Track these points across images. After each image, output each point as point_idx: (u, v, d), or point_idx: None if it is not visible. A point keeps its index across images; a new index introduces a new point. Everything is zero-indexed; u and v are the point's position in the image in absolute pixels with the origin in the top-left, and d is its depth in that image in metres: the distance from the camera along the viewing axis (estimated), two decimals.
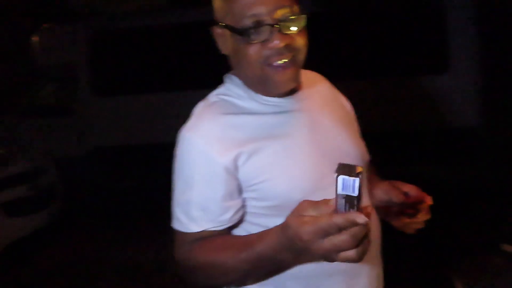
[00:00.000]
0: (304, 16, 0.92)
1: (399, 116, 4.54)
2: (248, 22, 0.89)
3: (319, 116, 1.03)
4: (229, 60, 1.01)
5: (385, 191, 1.09)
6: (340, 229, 0.66)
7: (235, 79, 1.03)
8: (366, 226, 0.66)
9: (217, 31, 0.98)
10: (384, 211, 1.12)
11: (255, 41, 0.90)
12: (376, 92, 4.54)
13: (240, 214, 0.96)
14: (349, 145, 1.03)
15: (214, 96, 1.03)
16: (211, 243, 0.91)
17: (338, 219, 0.66)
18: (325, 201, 0.70)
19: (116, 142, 5.16)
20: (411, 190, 1.08)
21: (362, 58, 4.60)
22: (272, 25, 0.88)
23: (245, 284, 0.96)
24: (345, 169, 0.67)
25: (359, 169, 0.67)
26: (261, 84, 0.97)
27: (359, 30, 4.57)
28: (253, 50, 0.91)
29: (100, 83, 5.20)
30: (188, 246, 0.93)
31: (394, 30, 4.53)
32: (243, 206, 0.96)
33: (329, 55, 4.49)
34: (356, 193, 0.66)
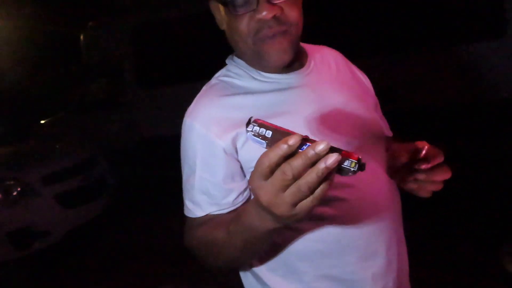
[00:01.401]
0: None
1: (448, 89, 4.29)
2: None
3: (327, 91, 0.97)
4: (227, 37, 0.98)
5: (391, 154, 0.96)
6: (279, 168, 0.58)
7: (236, 59, 1.01)
8: (307, 155, 0.56)
9: (213, 5, 0.96)
10: (395, 174, 0.96)
11: (242, 12, 0.87)
12: (423, 64, 4.30)
13: (245, 196, 0.93)
14: (362, 120, 0.97)
15: (214, 79, 1.01)
16: (209, 223, 0.89)
17: (266, 153, 0.58)
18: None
19: (164, 133, 5.27)
20: (422, 146, 0.89)
21: (406, 28, 4.36)
22: None
23: (246, 262, 0.93)
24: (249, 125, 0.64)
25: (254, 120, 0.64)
26: (255, 59, 0.93)
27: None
28: (242, 23, 0.88)
29: (145, 75, 5.32)
30: (195, 230, 0.92)
31: None
32: (248, 188, 0.93)
33: (370, 26, 4.31)
34: (264, 144, 0.62)
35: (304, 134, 0.59)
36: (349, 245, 0.91)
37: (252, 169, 0.81)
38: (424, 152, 0.86)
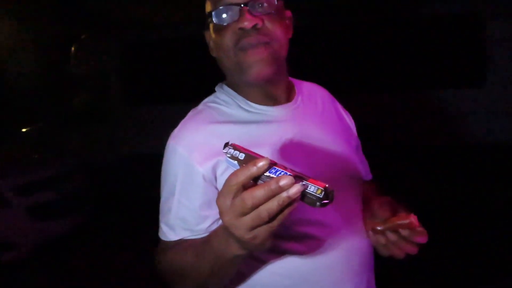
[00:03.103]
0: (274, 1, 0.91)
1: (432, 131, 4.41)
2: (216, 3, 0.91)
3: (310, 128, 0.98)
4: (218, 64, 1.00)
5: (371, 210, 0.96)
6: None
7: (225, 87, 1.03)
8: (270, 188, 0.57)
9: (206, 34, 1.00)
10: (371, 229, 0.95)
11: (226, 23, 0.91)
12: (410, 105, 4.43)
13: (219, 224, 0.91)
14: (341, 161, 0.98)
15: (202, 104, 1.02)
16: (179, 246, 0.89)
17: (235, 172, 0.60)
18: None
19: (145, 151, 5.24)
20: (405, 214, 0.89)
21: (401, 72, 4.52)
22: (240, 5, 0.89)
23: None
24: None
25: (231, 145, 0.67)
26: (238, 73, 0.94)
27: (395, 41, 4.50)
28: (226, 36, 0.91)
29: (131, 92, 5.32)
30: (166, 253, 0.92)
31: (430, 42, 4.44)
32: None
33: (363, 66, 4.44)
34: (238, 166, 0.64)
35: (277, 162, 0.60)
36: (317, 283, 0.90)
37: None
38: (409, 222, 0.86)
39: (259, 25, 0.89)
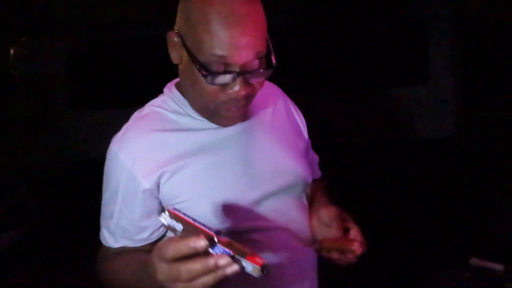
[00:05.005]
0: (271, 70, 0.86)
1: (378, 128, 4.56)
2: (215, 62, 0.81)
3: (258, 133, 0.98)
4: (179, 71, 0.94)
5: (329, 216, 0.98)
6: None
7: (174, 90, 0.98)
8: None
9: (173, 39, 0.89)
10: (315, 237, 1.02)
11: (216, 84, 0.83)
12: (356, 103, 4.55)
13: (160, 232, 0.93)
14: (285, 168, 0.98)
15: (147, 107, 0.98)
16: (121, 259, 0.89)
17: (173, 243, 0.63)
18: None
19: (95, 157, 5.05)
20: (353, 230, 0.97)
21: (342, 70, 4.62)
22: (238, 74, 0.81)
23: None
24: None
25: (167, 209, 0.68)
26: (207, 114, 0.92)
27: (339, 42, 4.60)
28: (211, 91, 0.85)
29: (78, 96, 5.12)
30: (106, 259, 0.93)
31: (374, 43, 4.58)
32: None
33: (310, 66, 4.51)
34: (178, 233, 0.66)
35: (214, 230, 0.63)
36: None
37: (170, 207, 0.81)
38: (354, 249, 0.91)
39: (251, 93, 0.86)
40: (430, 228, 3.69)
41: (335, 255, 0.93)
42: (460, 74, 4.41)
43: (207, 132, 0.93)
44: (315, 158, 1.19)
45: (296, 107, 1.14)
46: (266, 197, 0.92)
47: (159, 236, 0.93)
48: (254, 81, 0.85)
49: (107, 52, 5.06)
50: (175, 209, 0.67)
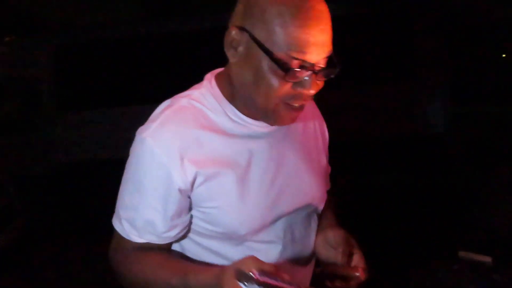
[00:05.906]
0: (338, 69, 0.85)
1: (366, 125, 4.58)
2: (292, 59, 0.78)
3: (287, 149, 0.97)
4: (230, 68, 0.88)
5: (336, 240, 0.98)
6: None
7: (215, 85, 0.93)
8: None
9: (235, 36, 0.83)
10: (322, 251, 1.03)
11: (291, 81, 0.80)
12: (343, 101, 4.54)
13: (185, 231, 0.93)
14: (307, 187, 0.99)
15: (185, 99, 0.92)
16: (150, 259, 0.89)
17: None
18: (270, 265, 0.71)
19: (82, 158, 5.00)
20: (356, 256, 0.97)
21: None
22: (315, 73, 0.81)
23: None
24: (243, 276, 0.70)
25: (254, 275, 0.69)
26: (262, 113, 0.87)
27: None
28: (282, 87, 0.81)
29: (64, 97, 5.05)
30: (126, 252, 0.91)
31: (361, 40, 4.59)
32: (190, 222, 0.93)
33: None
34: None
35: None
36: None
37: (201, 209, 0.90)
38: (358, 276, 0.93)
39: (317, 92, 0.84)
40: (419, 222, 3.72)
41: (337, 284, 0.93)
42: (448, 70, 4.45)
43: (244, 140, 0.91)
44: (328, 169, 1.17)
45: (324, 124, 1.13)
46: (281, 216, 0.95)
47: (183, 234, 0.93)
48: (320, 80, 0.84)
49: (93, 52, 5.00)
50: (262, 274, 0.69)
